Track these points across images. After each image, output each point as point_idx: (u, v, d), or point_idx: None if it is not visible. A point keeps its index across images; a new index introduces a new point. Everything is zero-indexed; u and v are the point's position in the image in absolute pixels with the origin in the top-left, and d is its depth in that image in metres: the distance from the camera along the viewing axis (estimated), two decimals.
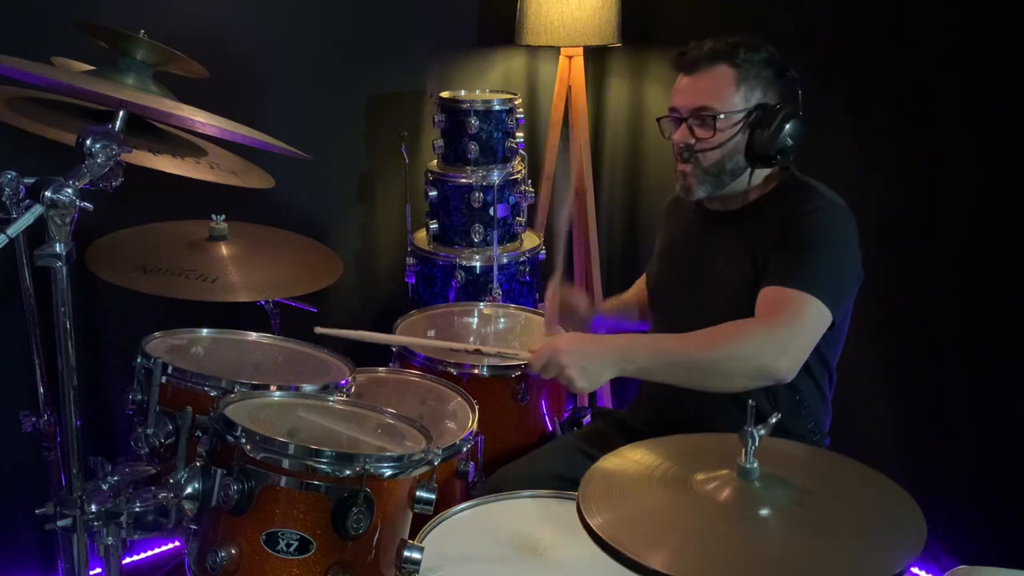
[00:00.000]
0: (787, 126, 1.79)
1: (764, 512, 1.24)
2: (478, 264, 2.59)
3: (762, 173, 1.86)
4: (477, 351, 1.99)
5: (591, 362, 1.73)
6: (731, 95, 1.82)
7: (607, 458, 1.41)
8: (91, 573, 2.11)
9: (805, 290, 1.71)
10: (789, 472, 1.32)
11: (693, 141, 1.84)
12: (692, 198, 1.90)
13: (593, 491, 1.30)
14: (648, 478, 1.33)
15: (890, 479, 1.34)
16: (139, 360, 1.73)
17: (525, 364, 1.87)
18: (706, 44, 1.85)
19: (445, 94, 2.66)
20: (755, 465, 1.28)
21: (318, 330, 1.87)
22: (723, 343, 1.72)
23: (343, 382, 1.75)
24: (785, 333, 1.70)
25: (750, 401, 1.29)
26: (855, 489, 1.35)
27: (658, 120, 1.95)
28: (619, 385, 3.17)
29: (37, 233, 1.34)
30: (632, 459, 1.40)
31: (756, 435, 1.27)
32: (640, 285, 2.22)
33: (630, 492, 1.30)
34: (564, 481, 1.77)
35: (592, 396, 3.21)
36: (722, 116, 1.81)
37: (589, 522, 1.22)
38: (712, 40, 1.85)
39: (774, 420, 1.34)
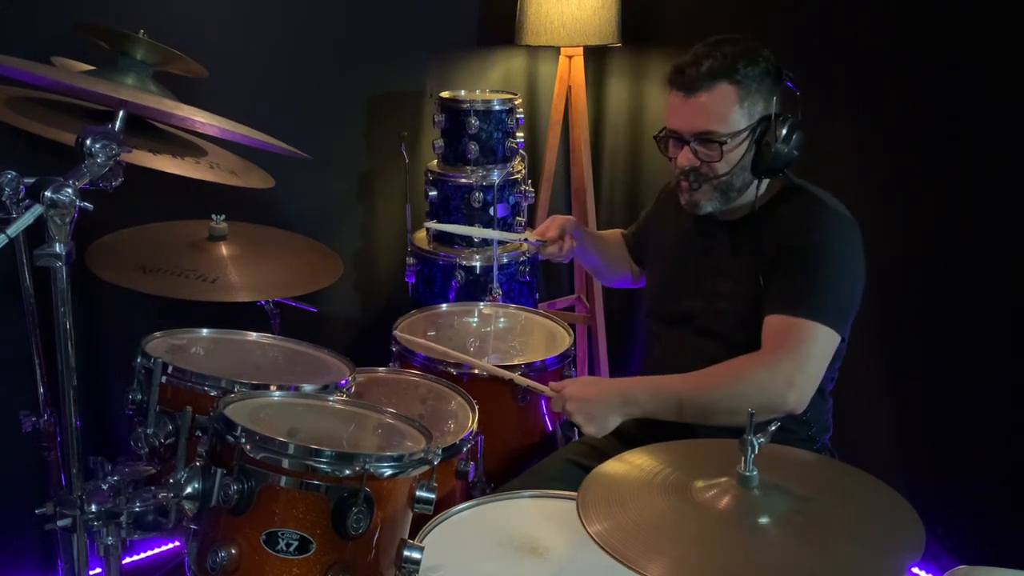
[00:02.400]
0: (793, 136, 1.76)
1: (763, 520, 1.24)
2: (478, 264, 2.59)
3: (765, 183, 1.83)
4: (500, 368, 1.97)
5: (596, 409, 1.76)
6: (734, 114, 1.75)
7: (606, 464, 1.41)
8: (91, 573, 2.11)
9: (812, 318, 1.69)
10: (788, 480, 1.32)
11: (699, 163, 1.79)
12: (700, 213, 1.85)
13: (592, 498, 1.30)
14: (647, 485, 1.33)
15: (888, 485, 1.34)
16: (139, 360, 1.73)
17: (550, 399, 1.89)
18: (703, 62, 1.75)
19: (445, 94, 2.66)
20: (754, 473, 1.28)
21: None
22: (725, 383, 1.71)
23: (343, 382, 1.75)
24: (789, 367, 1.68)
25: (749, 409, 1.29)
26: (854, 496, 1.34)
27: (655, 138, 1.90)
28: None
29: (37, 233, 1.34)
30: (631, 465, 1.39)
31: (756, 443, 1.27)
32: (616, 236, 2.26)
33: (629, 499, 1.30)
34: None
35: None
36: (727, 141, 1.76)
37: (588, 530, 1.22)
38: (708, 54, 1.76)
39: (773, 428, 1.34)
